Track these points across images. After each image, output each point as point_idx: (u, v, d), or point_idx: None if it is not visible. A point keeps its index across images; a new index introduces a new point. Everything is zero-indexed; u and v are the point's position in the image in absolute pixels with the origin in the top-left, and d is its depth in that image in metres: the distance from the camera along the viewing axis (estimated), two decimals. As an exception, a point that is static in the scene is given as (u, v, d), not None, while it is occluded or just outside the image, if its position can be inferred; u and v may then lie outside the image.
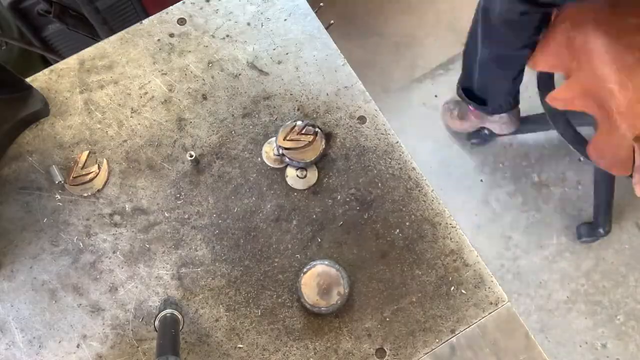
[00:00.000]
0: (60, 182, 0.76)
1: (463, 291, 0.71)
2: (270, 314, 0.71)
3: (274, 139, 0.78)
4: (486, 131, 1.67)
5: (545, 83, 1.36)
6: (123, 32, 0.85)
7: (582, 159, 1.58)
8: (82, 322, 0.71)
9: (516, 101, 1.53)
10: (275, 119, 0.79)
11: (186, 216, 0.75)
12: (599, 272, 1.62)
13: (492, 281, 0.71)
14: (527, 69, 1.34)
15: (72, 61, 0.83)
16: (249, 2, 0.86)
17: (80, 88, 0.82)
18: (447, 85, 1.80)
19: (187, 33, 0.84)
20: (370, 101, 0.80)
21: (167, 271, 0.73)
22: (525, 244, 1.66)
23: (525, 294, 1.61)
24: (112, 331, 0.70)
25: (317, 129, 0.76)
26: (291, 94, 0.81)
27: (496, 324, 0.69)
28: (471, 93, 1.53)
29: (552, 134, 1.56)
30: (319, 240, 0.74)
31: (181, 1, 0.86)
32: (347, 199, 0.75)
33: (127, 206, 0.76)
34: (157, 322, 0.65)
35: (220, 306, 0.71)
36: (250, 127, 0.79)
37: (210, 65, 0.83)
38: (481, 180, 1.74)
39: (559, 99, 1.25)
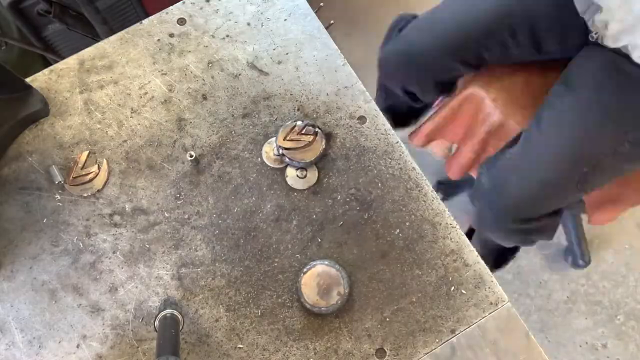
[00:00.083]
0: (60, 182, 0.76)
1: (463, 291, 0.71)
2: (270, 314, 0.71)
3: (274, 139, 0.78)
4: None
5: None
6: (123, 32, 0.85)
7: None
8: (82, 323, 0.71)
9: None
10: (275, 119, 0.79)
11: (186, 216, 0.75)
12: (599, 272, 1.62)
13: (492, 281, 0.71)
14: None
15: (72, 61, 0.83)
16: (249, 2, 0.86)
17: (80, 88, 0.82)
18: (447, 85, 1.79)
19: (187, 33, 0.84)
20: (371, 101, 0.79)
21: (167, 271, 0.73)
22: (525, 244, 1.66)
23: (525, 294, 1.61)
24: (112, 331, 0.70)
25: (317, 129, 0.76)
26: (291, 94, 0.81)
27: (496, 324, 0.69)
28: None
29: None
30: (319, 240, 0.73)
31: (181, 1, 0.86)
32: (347, 199, 0.75)
33: (127, 206, 0.76)
34: (157, 323, 0.65)
35: (220, 306, 0.71)
36: (250, 127, 0.79)
37: (210, 65, 0.83)
38: (481, 180, 1.73)
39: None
